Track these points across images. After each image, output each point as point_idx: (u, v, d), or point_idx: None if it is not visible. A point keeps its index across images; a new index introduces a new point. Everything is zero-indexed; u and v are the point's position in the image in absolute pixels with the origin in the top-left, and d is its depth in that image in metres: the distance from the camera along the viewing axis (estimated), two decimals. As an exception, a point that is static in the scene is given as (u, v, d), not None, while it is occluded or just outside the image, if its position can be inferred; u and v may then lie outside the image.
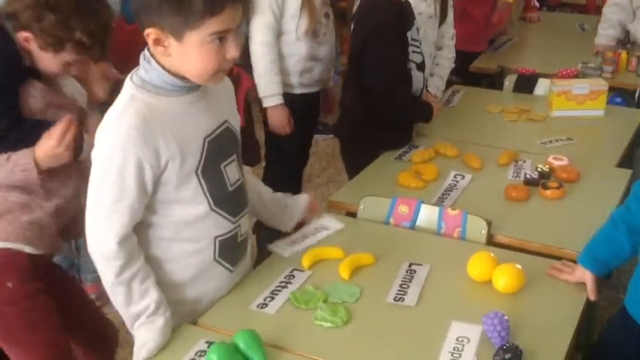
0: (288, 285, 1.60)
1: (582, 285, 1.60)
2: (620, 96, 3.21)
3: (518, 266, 1.58)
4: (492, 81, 3.28)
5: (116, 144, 1.35)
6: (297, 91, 2.69)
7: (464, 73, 3.26)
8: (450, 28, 2.82)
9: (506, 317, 1.42)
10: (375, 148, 2.41)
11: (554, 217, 1.97)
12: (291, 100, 2.64)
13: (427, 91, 2.63)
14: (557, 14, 4.82)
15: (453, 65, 2.89)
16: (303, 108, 2.73)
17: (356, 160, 2.44)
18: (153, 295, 1.42)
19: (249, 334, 1.37)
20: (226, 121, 1.50)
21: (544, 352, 1.39)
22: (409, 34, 2.39)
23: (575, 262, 1.64)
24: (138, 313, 1.41)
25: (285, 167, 2.79)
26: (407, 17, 2.41)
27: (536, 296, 1.57)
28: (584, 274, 1.59)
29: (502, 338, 1.39)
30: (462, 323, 1.46)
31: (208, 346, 1.39)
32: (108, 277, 1.39)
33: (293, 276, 1.64)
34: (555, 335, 1.45)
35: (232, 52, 1.37)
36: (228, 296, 1.56)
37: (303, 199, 1.83)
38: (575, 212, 1.98)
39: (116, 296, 1.41)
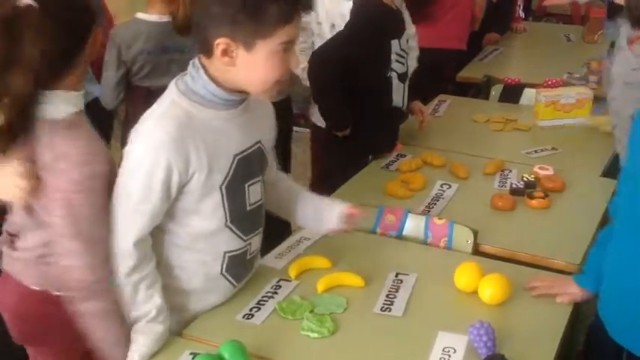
0: (275, 295, 1.60)
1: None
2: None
3: (504, 276, 1.59)
4: (479, 90, 3.29)
5: (149, 146, 1.35)
6: None
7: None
8: (411, 27, 2.82)
9: (492, 327, 1.42)
10: (351, 148, 2.42)
11: (539, 226, 1.97)
12: None
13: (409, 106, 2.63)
14: (542, 24, 4.86)
15: (417, 64, 2.86)
16: None
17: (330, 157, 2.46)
18: (156, 302, 1.41)
19: (235, 345, 1.36)
20: (259, 141, 1.51)
21: (530, 362, 1.39)
22: (395, 43, 2.40)
23: (559, 271, 1.65)
24: (138, 317, 1.41)
25: None
26: (395, 25, 2.42)
27: (522, 306, 1.58)
28: (584, 293, 1.59)
29: (488, 348, 1.39)
30: (449, 333, 1.46)
31: (193, 358, 1.38)
32: (117, 274, 1.39)
33: (279, 286, 1.63)
34: (541, 345, 1.45)
35: (293, 62, 1.40)
36: (214, 307, 1.55)
37: (342, 206, 1.74)
38: (560, 222, 1.98)
39: (121, 294, 1.40)
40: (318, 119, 2.69)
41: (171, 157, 1.34)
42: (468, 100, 3.18)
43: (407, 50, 2.48)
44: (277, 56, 1.35)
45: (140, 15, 2.48)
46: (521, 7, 4.24)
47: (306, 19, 2.57)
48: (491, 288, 1.56)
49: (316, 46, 2.63)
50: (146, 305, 1.41)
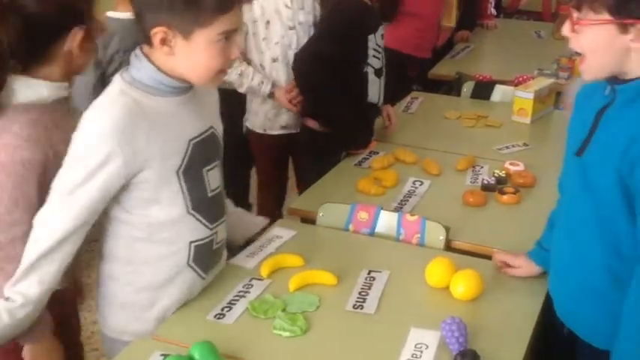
0: (247, 294, 1.59)
1: (538, 289, 1.62)
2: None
3: (476, 272, 1.59)
4: (451, 87, 3.31)
5: (96, 134, 1.33)
6: None
7: (422, 80, 3.31)
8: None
9: (463, 323, 1.42)
10: (327, 144, 2.44)
11: (510, 222, 1.99)
12: None
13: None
14: (513, 21, 4.90)
15: None
16: None
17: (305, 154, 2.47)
18: (34, 293, 1.34)
19: (206, 345, 1.34)
20: (212, 127, 1.51)
21: (502, 357, 1.40)
22: (372, 38, 2.40)
23: None
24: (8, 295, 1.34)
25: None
26: (370, 19, 2.42)
27: (493, 301, 1.58)
28: (534, 268, 1.64)
29: (460, 344, 1.39)
30: (421, 330, 1.47)
31: (164, 359, 1.36)
32: (30, 247, 1.34)
33: (251, 285, 1.62)
34: (512, 340, 1.46)
35: (235, 52, 1.39)
36: (185, 307, 1.53)
37: (262, 220, 1.86)
38: (530, 217, 1.99)
39: (12, 261, 1.34)
40: (253, 124, 2.71)
41: (115, 145, 1.32)
42: (440, 97, 3.19)
43: (381, 45, 2.49)
44: (217, 45, 1.34)
45: (111, 14, 2.45)
46: (493, 5, 4.28)
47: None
48: (462, 284, 1.57)
49: (250, 46, 2.61)
50: (25, 289, 1.33)
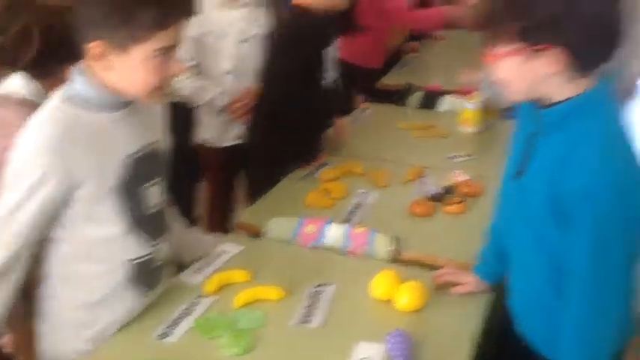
0: (192, 312, 1.57)
1: (481, 299, 1.64)
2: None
3: (420, 284, 1.61)
4: (400, 98, 3.33)
5: (31, 152, 1.30)
6: None
7: (369, 91, 3.33)
8: None
9: (408, 335, 1.43)
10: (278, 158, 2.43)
11: (457, 231, 2.01)
12: None
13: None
14: (461, 31, 4.96)
15: None
16: None
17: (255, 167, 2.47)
18: None
19: (149, 366, 1.32)
20: (154, 142, 1.48)
21: (446, 368, 1.41)
22: (328, 50, 2.41)
23: None
24: None
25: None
26: (327, 32, 2.43)
27: (438, 312, 1.60)
28: (479, 283, 1.65)
29: (405, 356, 1.40)
30: (367, 343, 1.47)
31: (105, 382, 1.34)
32: None
33: (197, 302, 1.60)
34: (455, 350, 1.47)
35: (174, 69, 1.37)
36: (128, 326, 1.51)
37: (214, 240, 1.85)
38: (476, 226, 2.01)
39: None
40: (204, 137, 2.69)
41: (50, 164, 1.30)
42: (390, 107, 3.21)
43: (337, 58, 2.50)
44: (154, 61, 1.33)
45: None
46: (441, 15, 4.32)
47: (196, 30, 2.52)
48: (407, 296, 1.58)
49: (203, 58, 2.59)
50: None
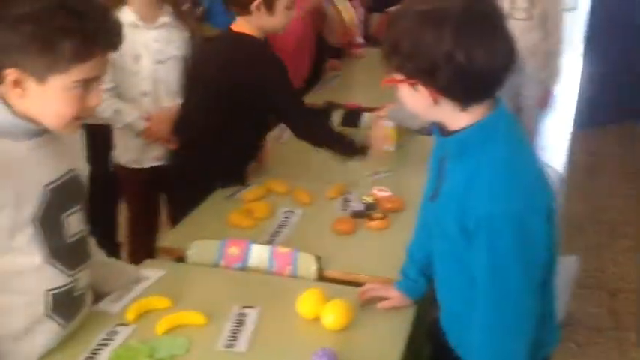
0: (110, 342, 1.51)
1: (406, 313, 1.65)
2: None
3: (345, 301, 1.60)
4: (322, 116, 3.35)
5: None
6: None
7: None
8: None
9: (334, 353, 1.43)
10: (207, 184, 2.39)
11: (380, 247, 2.02)
12: None
13: None
14: (380, 50, 5.07)
15: None
16: None
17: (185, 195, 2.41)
18: None
19: (65, 401, 1.26)
20: (73, 169, 1.43)
21: (372, 385, 1.41)
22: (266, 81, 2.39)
23: None
24: None
25: None
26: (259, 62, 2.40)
27: (363, 328, 1.60)
28: (402, 298, 1.67)
29: (331, 375, 1.39)
30: (293, 364, 1.46)
31: (18, 420, 1.27)
32: None
33: (116, 332, 1.55)
34: (382, 366, 1.48)
35: (94, 100, 1.32)
36: (45, 358, 1.44)
37: (135, 270, 1.79)
38: (399, 241, 2.02)
39: None
40: (124, 160, 2.64)
41: None
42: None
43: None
44: (73, 92, 1.29)
45: None
46: (360, 34, 4.40)
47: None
48: (332, 314, 1.57)
49: (120, 80, 2.53)
50: None
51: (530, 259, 1.25)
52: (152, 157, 2.66)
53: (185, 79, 2.58)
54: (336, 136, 2.52)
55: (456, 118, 1.29)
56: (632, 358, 2.90)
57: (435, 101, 1.26)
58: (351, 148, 2.48)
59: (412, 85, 1.26)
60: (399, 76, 1.27)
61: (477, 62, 1.19)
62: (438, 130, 1.35)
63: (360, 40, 4.43)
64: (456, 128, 1.30)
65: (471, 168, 1.27)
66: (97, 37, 1.28)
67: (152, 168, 2.67)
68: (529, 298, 1.28)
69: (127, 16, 2.49)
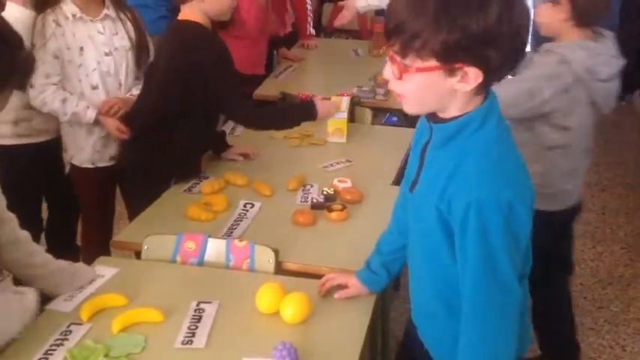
0: (65, 342, 1.47)
1: (366, 304, 1.65)
2: (396, 115, 3.44)
3: (304, 295, 1.59)
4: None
5: None
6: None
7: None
8: None
9: (294, 347, 1.41)
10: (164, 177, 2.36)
11: (340, 238, 2.01)
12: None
13: None
14: (333, 40, 5.06)
15: None
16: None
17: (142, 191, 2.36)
18: None
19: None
20: None
21: (334, 377, 1.40)
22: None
23: None
24: None
25: None
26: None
27: (323, 321, 1.59)
28: (361, 288, 1.66)
29: (292, 369, 1.38)
30: (253, 359, 1.43)
31: None
32: None
33: (70, 331, 1.50)
34: (343, 358, 1.47)
35: None
36: (-5, 363, 1.39)
37: (91, 272, 1.74)
38: (358, 232, 2.04)
39: None
40: (79, 160, 2.58)
41: None
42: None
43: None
44: None
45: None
46: (311, 25, 4.38)
47: (55, 45, 2.42)
48: (291, 307, 1.56)
49: (69, 74, 2.47)
50: None
51: (515, 247, 1.23)
52: (108, 157, 2.61)
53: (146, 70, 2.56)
54: (280, 111, 2.53)
55: (459, 105, 1.23)
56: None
57: (461, 85, 1.19)
58: (299, 115, 2.53)
59: (450, 68, 1.17)
60: (423, 64, 1.18)
61: (515, 23, 1.15)
62: (427, 116, 1.31)
63: (312, 31, 4.41)
64: (454, 115, 1.25)
65: (456, 156, 1.24)
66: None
67: (106, 167, 2.62)
68: (518, 287, 1.25)
69: (69, 8, 2.45)
